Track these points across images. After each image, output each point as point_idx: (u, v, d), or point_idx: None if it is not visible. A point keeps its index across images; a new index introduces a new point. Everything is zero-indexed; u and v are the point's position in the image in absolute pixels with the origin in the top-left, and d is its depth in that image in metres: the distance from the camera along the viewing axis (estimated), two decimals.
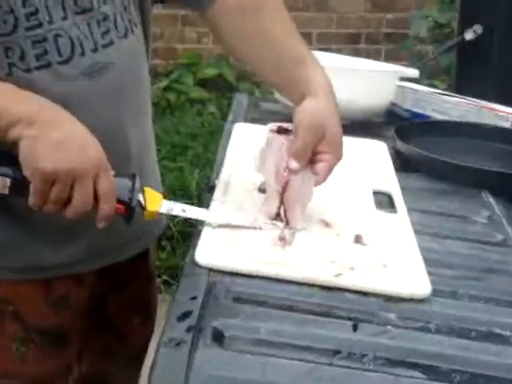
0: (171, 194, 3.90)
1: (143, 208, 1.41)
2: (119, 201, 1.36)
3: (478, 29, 2.43)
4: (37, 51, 1.41)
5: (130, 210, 1.39)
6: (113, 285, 1.83)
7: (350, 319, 1.19)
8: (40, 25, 1.40)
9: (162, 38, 5.74)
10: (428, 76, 3.63)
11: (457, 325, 1.21)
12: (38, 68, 1.42)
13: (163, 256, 4.03)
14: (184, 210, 1.47)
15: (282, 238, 1.39)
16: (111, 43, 1.50)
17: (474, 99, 2.23)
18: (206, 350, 1.06)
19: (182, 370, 0.99)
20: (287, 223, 1.43)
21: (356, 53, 5.05)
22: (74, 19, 1.44)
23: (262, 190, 1.56)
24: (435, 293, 1.29)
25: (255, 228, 1.43)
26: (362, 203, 1.63)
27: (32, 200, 1.30)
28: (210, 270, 1.27)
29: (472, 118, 2.18)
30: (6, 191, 1.31)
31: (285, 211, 1.44)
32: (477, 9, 2.49)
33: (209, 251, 1.32)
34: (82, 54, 1.45)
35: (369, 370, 1.07)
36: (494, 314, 1.27)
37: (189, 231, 3.97)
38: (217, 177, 1.67)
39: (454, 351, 1.13)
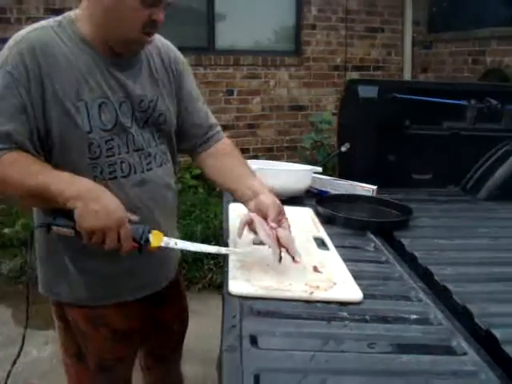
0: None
1: (149, 244, 1.25)
2: (134, 240, 1.22)
3: (347, 145, 2.40)
4: (110, 169, 1.33)
5: (140, 246, 1.23)
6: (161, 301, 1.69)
7: (323, 319, 1.07)
8: (113, 155, 1.33)
9: None
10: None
11: (380, 315, 1.12)
12: (110, 179, 1.33)
13: None
14: (176, 244, 1.30)
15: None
16: (151, 169, 1.41)
17: (350, 181, 2.12)
18: (247, 352, 0.93)
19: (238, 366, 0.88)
20: (293, 258, 1.26)
21: (272, 157, 4.99)
22: (133, 154, 1.37)
23: (255, 243, 1.40)
24: (364, 296, 1.18)
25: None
26: (310, 245, 1.49)
27: (84, 241, 1.19)
28: (240, 297, 1.13)
29: (351, 191, 2.08)
30: (73, 234, 1.21)
31: (287, 250, 1.26)
32: (346, 134, 2.45)
33: (236, 285, 1.18)
34: (135, 172, 1.37)
35: (342, 351, 0.96)
36: (398, 306, 1.17)
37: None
38: (227, 237, 1.51)
39: (381, 331, 1.05)
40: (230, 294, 1.13)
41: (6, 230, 3.97)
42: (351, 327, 1.04)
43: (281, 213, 1.34)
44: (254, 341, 0.95)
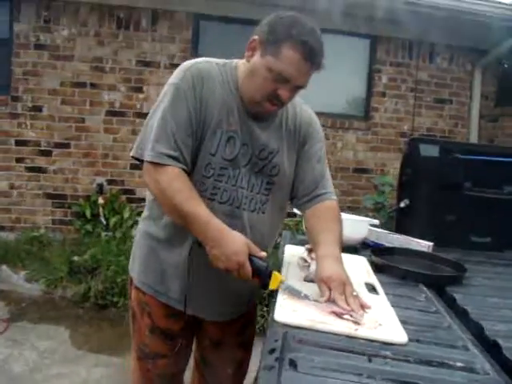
0: None
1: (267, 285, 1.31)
2: (258, 275, 1.30)
3: (407, 201, 2.37)
4: (213, 191, 1.43)
5: (262, 283, 1.32)
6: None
7: (364, 355, 1.02)
8: (221, 181, 1.43)
9: None
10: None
11: (423, 358, 1.04)
12: (209, 199, 1.42)
13: None
14: (287, 287, 1.30)
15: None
16: (244, 210, 1.46)
17: (406, 236, 2.08)
18: (285, 372, 0.90)
19: None
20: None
21: None
22: (237, 189, 1.45)
23: (306, 280, 1.43)
24: (409, 340, 1.12)
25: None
26: (361, 289, 1.44)
27: None
28: (284, 325, 1.11)
29: (406, 246, 2.02)
30: None
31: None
32: (406, 191, 2.41)
33: (282, 314, 1.15)
34: (230, 204, 1.44)
35: None
36: (443, 352, 1.09)
37: None
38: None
39: (424, 373, 0.98)
40: (274, 321, 1.11)
41: (76, 258, 4.11)
42: (392, 365, 0.99)
43: (343, 282, 1.27)
44: (292, 364, 0.92)
